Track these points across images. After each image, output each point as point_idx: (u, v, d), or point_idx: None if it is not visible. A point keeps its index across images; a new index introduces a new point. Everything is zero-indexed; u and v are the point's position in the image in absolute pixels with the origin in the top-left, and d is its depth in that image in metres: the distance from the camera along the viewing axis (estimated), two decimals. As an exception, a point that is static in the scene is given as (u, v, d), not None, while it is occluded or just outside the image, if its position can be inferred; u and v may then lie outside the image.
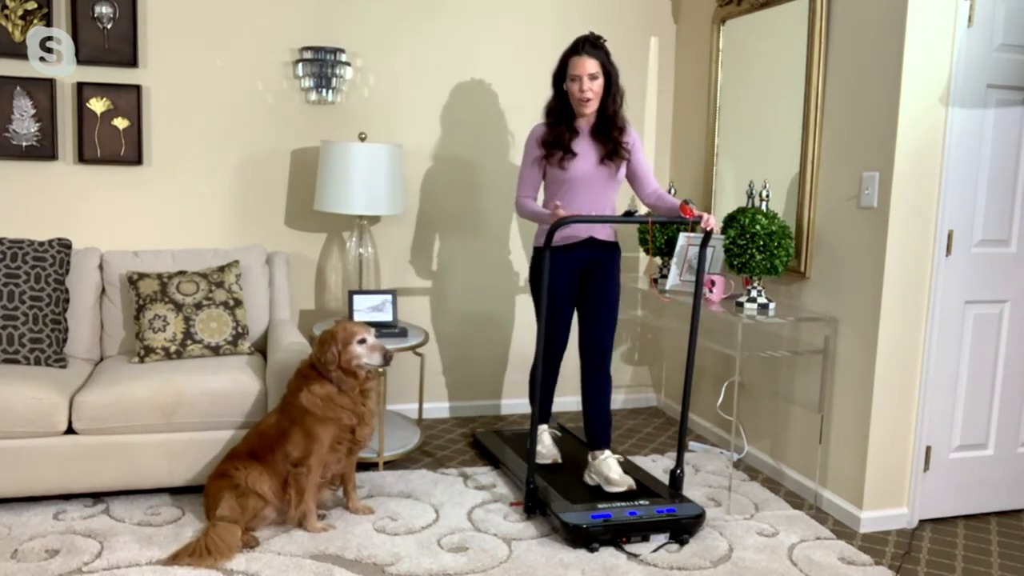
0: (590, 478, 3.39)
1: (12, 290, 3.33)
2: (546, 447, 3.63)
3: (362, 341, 3.05)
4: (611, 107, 3.28)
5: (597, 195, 3.31)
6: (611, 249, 3.41)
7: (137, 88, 3.80)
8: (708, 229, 3.14)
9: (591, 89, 3.20)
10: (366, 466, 3.66)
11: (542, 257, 3.37)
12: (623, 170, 3.36)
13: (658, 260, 4.40)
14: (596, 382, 3.40)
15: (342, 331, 3.05)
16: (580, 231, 3.33)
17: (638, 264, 4.73)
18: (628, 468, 3.55)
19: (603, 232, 3.38)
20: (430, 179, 4.31)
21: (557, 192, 3.34)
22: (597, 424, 3.39)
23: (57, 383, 3.15)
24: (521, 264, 4.52)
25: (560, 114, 3.31)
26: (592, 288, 3.39)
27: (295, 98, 4.07)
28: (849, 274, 3.33)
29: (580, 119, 3.32)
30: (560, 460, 3.60)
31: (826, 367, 3.44)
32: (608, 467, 3.30)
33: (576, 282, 3.40)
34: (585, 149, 3.29)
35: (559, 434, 3.92)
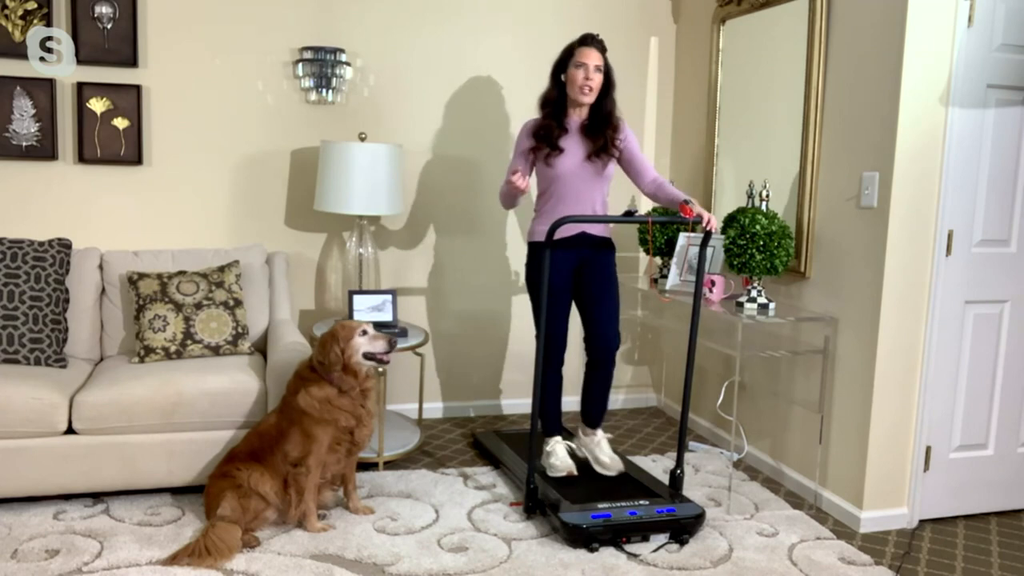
0: (579, 450, 3.50)
1: (12, 290, 3.33)
2: (560, 459, 3.45)
3: (363, 333, 3.06)
4: (607, 105, 3.33)
5: (583, 191, 3.34)
6: (605, 246, 3.43)
7: (137, 88, 3.80)
8: (709, 229, 3.15)
9: (594, 79, 3.26)
10: (366, 466, 3.66)
11: (537, 254, 3.40)
12: (611, 167, 3.38)
13: (658, 260, 4.40)
14: (604, 368, 3.43)
15: (341, 329, 3.05)
16: (571, 227, 3.36)
17: (638, 264, 4.73)
18: (628, 468, 3.55)
19: (596, 228, 3.40)
20: (430, 179, 4.31)
21: (547, 187, 3.38)
22: (596, 405, 3.48)
23: (57, 383, 3.15)
24: (521, 263, 4.52)
25: (556, 105, 3.34)
26: (589, 282, 3.41)
27: (295, 98, 4.07)
28: (849, 274, 3.33)
29: (572, 115, 3.35)
30: (576, 472, 3.43)
31: (826, 367, 3.44)
32: (601, 449, 3.45)
33: (572, 278, 3.41)
34: (572, 146, 3.32)
35: (573, 446, 3.66)
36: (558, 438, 3.55)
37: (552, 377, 3.49)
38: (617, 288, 3.44)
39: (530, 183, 3.49)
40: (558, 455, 3.48)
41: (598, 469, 3.42)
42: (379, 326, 3.67)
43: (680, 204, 3.19)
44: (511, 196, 3.33)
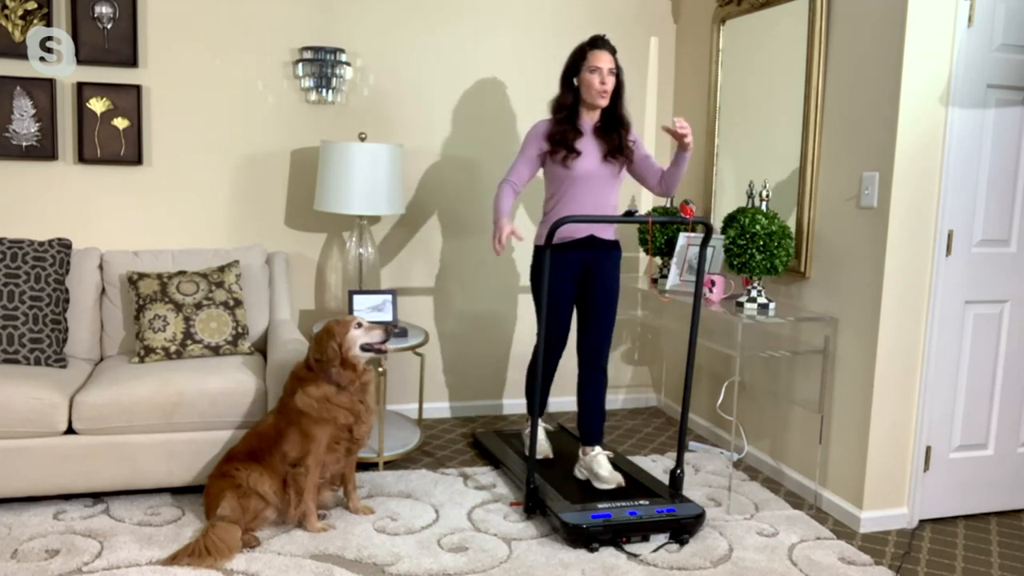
0: (580, 472, 3.43)
1: (12, 290, 3.33)
2: (538, 442, 3.64)
3: (359, 325, 3.06)
4: (620, 107, 3.34)
5: (599, 193, 3.33)
6: (612, 248, 3.41)
7: (137, 88, 3.80)
8: (685, 139, 3.15)
9: (609, 82, 3.26)
10: (366, 466, 3.66)
11: (542, 256, 3.39)
12: (624, 170, 3.37)
13: (658, 260, 4.40)
14: (593, 380, 3.41)
15: (336, 325, 3.05)
16: (580, 230, 3.34)
17: (638, 264, 4.73)
18: (628, 468, 3.55)
19: (604, 231, 3.39)
20: (430, 179, 4.31)
21: (559, 189, 3.35)
22: (591, 420, 3.42)
23: (57, 383, 3.15)
24: (522, 264, 4.52)
25: (570, 109, 3.33)
26: (592, 287, 3.39)
27: (295, 98, 4.07)
28: (849, 274, 3.33)
29: (584, 118, 3.34)
30: (551, 455, 3.65)
31: (826, 367, 3.44)
32: (599, 464, 3.34)
33: (576, 281, 3.41)
34: (589, 148, 3.31)
35: (551, 429, 3.95)
36: (538, 420, 3.66)
37: (546, 370, 3.61)
38: (617, 301, 3.44)
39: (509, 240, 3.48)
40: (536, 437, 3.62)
41: (597, 485, 3.30)
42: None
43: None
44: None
